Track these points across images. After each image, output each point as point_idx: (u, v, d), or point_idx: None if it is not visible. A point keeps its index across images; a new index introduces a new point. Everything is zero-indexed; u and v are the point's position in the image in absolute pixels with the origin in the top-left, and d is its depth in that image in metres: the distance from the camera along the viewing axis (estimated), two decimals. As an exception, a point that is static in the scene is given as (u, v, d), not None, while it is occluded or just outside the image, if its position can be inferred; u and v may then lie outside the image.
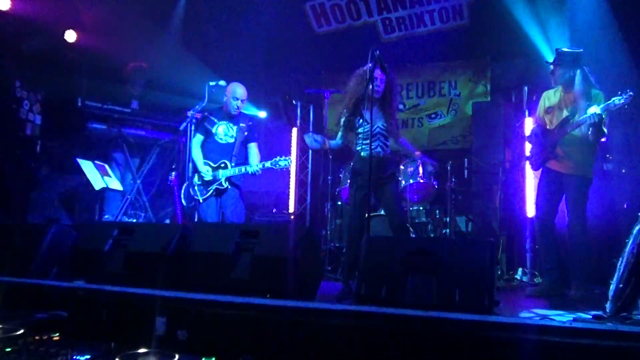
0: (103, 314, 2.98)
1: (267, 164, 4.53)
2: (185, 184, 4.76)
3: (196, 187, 4.70)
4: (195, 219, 4.81)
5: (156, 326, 2.79)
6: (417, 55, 6.81)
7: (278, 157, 4.53)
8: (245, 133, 4.73)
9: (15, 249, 3.73)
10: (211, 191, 4.64)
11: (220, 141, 4.70)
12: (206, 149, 4.74)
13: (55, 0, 6.12)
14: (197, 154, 4.72)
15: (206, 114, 4.79)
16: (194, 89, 6.16)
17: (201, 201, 4.66)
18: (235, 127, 4.72)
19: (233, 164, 4.62)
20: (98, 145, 6.66)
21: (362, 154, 3.79)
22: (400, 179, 5.33)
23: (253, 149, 4.77)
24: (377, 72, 3.74)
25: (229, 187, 4.62)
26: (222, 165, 4.63)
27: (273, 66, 7.47)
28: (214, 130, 4.71)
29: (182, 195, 4.75)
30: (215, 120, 4.73)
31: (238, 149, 4.69)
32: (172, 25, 6.92)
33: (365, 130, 3.77)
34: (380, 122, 3.85)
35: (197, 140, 4.75)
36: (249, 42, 7.14)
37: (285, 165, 4.52)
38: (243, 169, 4.58)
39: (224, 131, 4.71)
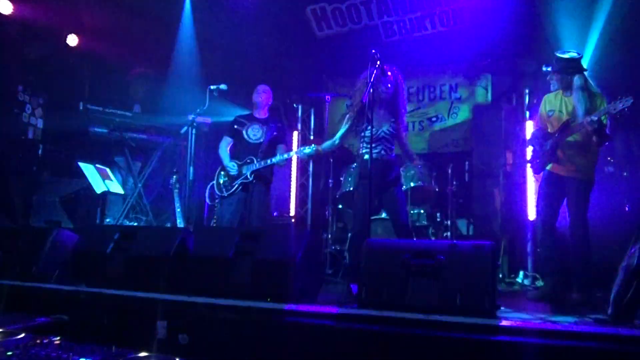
0: (104, 317, 2.98)
1: (292, 153, 4.67)
2: (210, 183, 4.83)
3: (221, 183, 4.76)
4: (215, 216, 4.84)
5: (157, 330, 2.79)
6: (418, 59, 6.82)
7: (302, 147, 4.65)
8: (275, 133, 4.80)
9: (17, 252, 3.73)
10: (236, 186, 4.67)
11: (249, 141, 4.79)
12: (236, 150, 4.85)
13: (57, 5, 6.14)
14: (224, 153, 4.83)
15: (237, 117, 4.94)
16: (195, 92, 6.19)
17: (225, 196, 4.71)
18: (265, 127, 4.80)
19: (259, 160, 4.66)
20: (100, 149, 6.69)
21: (365, 157, 3.80)
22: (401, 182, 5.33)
23: (281, 149, 4.82)
24: (387, 72, 3.76)
25: (255, 181, 4.64)
26: (249, 160, 4.70)
27: (274, 70, 7.48)
28: (244, 131, 4.81)
29: (206, 193, 4.81)
30: (246, 122, 4.85)
31: (266, 148, 4.72)
32: (174, 29, 6.94)
33: (369, 134, 3.77)
34: (385, 126, 3.86)
35: (225, 142, 4.88)
36: (250, 46, 7.15)
37: (310, 152, 4.56)
38: (268, 161, 4.63)
39: (253, 132, 4.81)
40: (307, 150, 4.56)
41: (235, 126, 4.86)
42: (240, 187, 4.67)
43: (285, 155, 4.65)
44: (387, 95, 3.83)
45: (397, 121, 3.90)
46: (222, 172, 4.80)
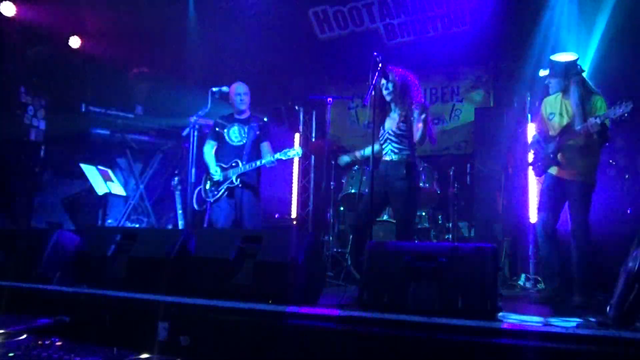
0: (106, 319, 2.98)
1: (277, 155, 4.51)
2: (197, 188, 4.75)
3: (207, 189, 4.68)
4: (205, 222, 4.79)
5: (158, 331, 2.79)
6: (419, 62, 6.80)
7: (287, 149, 4.56)
8: (257, 132, 4.70)
9: (19, 253, 3.74)
10: (222, 191, 4.58)
11: (232, 143, 4.69)
12: (219, 152, 4.75)
13: (60, 7, 6.16)
14: (209, 157, 4.74)
15: (217, 119, 4.83)
16: (197, 94, 6.20)
17: (212, 202, 4.63)
18: (246, 128, 4.70)
19: (244, 163, 4.57)
20: (101, 150, 6.70)
21: (385, 157, 3.87)
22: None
23: (265, 147, 4.70)
24: (388, 73, 3.76)
25: (241, 186, 4.55)
26: (234, 164, 4.60)
27: (276, 72, 7.50)
28: (225, 134, 4.72)
29: (193, 199, 4.74)
30: (226, 124, 4.74)
31: (250, 149, 4.63)
32: (175, 31, 6.96)
33: (380, 135, 3.88)
34: (390, 126, 3.85)
35: (210, 145, 4.79)
36: (252, 48, 7.17)
37: (295, 154, 4.54)
38: (254, 164, 4.53)
39: (235, 133, 4.71)
40: (292, 152, 4.52)
41: (217, 129, 4.77)
42: (226, 192, 4.57)
43: (270, 158, 4.52)
44: (390, 96, 3.83)
45: (406, 119, 3.80)
46: (207, 177, 4.71)
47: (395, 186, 3.77)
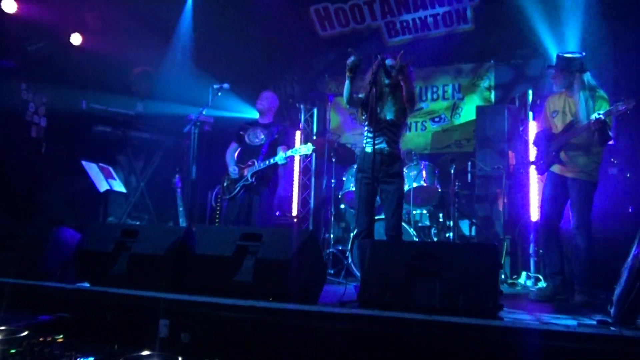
0: (107, 316, 2.99)
1: (289, 152, 4.74)
2: (217, 187, 4.99)
3: (226, 186, 4.96)
4: (213, 218, 4.95)
5: (159, 329, 2.80)
6: (421, 59, 6.81)
7: (299, 146, 4.79)
8: (276, 136, 4.92)
9: (20, 250, 3.74)
10: (238, 188, 4.82)
11: (251, 144, 4.95)
12: (239, 153, 5.03)
13: (61, 4, 6.16)
14: (229, 157, 5.03)
15: (242, 123, 5.17)
16: (198, 91, 6.20)
17: (228, 199, 4.90)
18: (266, 131, 4.94)
19: (259, 161, 4.79)
20: (102, 147, 6.70)
21: (366, 149, 3.72)
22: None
23: (281, 150, 4.88)
24: (388, 65, 3.70)
25: (256, 183, 4.77)
26: (250, 163, 4.84)
27: (277, 69, 7.49)
28: (246, 136, 4.99)
29: (212, 197, 4.92)
30: (249, 127, 5.04)
31: (267, 150, 4.84)
32: (177, 28, 6.95)
33: (371, 122, 3.67)
34: (389, 115, 3.75)
35: (232, 148, 5.08)
36: (254, 45, 7.16)
37: (307, 152, 4.74)
38: (268, 162, 4.74)
39: (255, 135, 4.97)
40: (304, 149, 4.71)
41: (240, 132, 5.04)
42: (242, 190, 4.80)
43: (282, 154, 4.71)
44: (390, 87, 3.76)
45: (404, 106, 3.74)
46: (227, 176, 4.97)
47: (389, 181, 3.71)
